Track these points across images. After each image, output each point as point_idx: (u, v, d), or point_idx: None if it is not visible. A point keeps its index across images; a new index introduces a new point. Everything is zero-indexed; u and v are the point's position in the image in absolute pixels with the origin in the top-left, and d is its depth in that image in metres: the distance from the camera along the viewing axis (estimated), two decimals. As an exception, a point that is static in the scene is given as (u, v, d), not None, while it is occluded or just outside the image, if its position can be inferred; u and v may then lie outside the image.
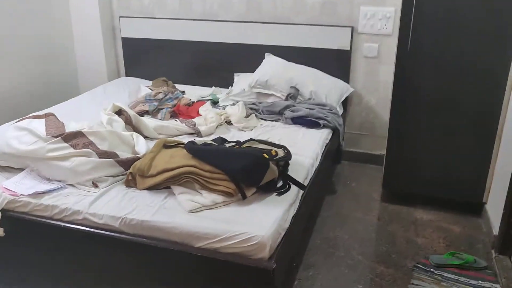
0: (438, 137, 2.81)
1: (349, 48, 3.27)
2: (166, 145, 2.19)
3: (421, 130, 2.83)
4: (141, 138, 2.33)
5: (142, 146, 2.26)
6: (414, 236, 2.70)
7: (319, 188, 2.67)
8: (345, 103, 3.30)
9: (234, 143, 2.24)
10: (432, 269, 2.37)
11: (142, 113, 2.83)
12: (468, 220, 2.87)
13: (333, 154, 2.97)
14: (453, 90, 2.69)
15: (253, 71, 3.31)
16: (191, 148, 2.02)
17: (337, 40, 3.26)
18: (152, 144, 2.29)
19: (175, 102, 2.99)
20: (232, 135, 2.65)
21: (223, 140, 2.29)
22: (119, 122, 2.46)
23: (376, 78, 3.34)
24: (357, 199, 3.11)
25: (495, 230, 2.60)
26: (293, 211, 1.96)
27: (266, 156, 1.99)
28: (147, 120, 2.62)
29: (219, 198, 1.86)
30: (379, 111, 3.41)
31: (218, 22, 3.53)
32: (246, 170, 1.88)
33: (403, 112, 2.83)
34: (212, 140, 2.27)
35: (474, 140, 2.75)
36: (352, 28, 3.22)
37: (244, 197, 1.89)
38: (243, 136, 2.61)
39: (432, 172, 2.90)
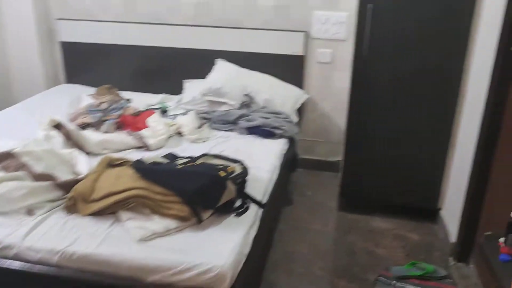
0: (394, 144, 2.80)
1: (303, 54, 3.18)
2: (111, 164, 1.99)
3: (377, 137, 2.81)
4: (83, 156, 2.12)
5: (83, 165, 2.05)
6: (374, 247, 2.65)
7: (277, 201, 2.56)
8: (300, 109, 3.21)
9: (187, 159, 2.08)
10: (394, 282, 2.32)
11: (84, 126, 2.59)
12: (424, 227, 2.86)
13: (289, 163, 2.87)
14: (409, 96, 2.68)
15: (203, 77, 3.15)
16: (140, 168, 1.83)
17: (290, 46, 3.16)
18: (95, 161, 2.08)
19: (120, 112, 2.77)
20: (184, 148, 2.48)
21: (174, 156, 2.12)
22: (58, 138, 2.22)
23: (330, 84, 3.27)
24: (315, 209, 3.03)
25: (452, 237, 2.60)
26: (253, 232, 1.83)
27: (223, 174, 1.85)
28: (90, 134, 2.40)
29: (172, 223, 1.70)
30: (334, 118, 3.35)
31: (166, 26, 3.33)
32: (202, 192, 1.73)
33: (360, 118, 2.79)
34: (162, 157, 2.09)
35: (430, 146, 2.76)
36: (306, 33, 3.14)
37: (200, 221, 1.73)
38: (196, 149, 2.45)
39: (388, 178, 2.89)
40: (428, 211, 2.91)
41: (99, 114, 2.65)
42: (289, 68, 3.22)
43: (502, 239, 1.52)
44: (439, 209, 2.87)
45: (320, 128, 3.41)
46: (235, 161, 2.10)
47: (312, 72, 3.26)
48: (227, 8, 3.23)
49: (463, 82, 2.57)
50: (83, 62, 3.54)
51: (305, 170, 3.48)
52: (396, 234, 2.78)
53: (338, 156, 3.41)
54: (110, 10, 3.41)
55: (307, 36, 3.15)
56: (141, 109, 2.99)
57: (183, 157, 2.13)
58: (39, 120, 2.53)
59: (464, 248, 2.47)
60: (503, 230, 2.02)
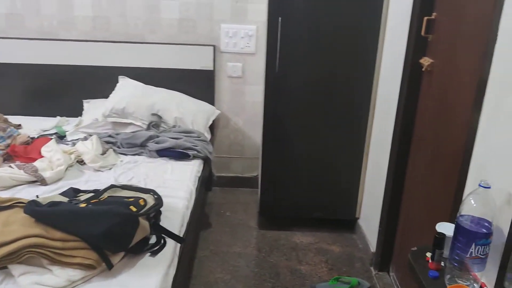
0: (310, 156, 2.78)
1: (212, 68, 3.05)
2: (-2, 206, 1.69)
3: (293, 150, 2.77)
4: (-39, 199, 1.77)
5: (-38, 210, 1.71)
6: (297, 264, 2.58)
7: (195, 229, 2.38)
8: (212, 126, 3.07)
9: (91, 194, 1.83)
10: (321, 301, 2.26)
11: (-37, 161, 2.22)
12: (344, 238, 2.86)
13: (205, 183, 2.72)
14: (323, 108, 2.67)
15: (105, 96, 2.90)
16: (34, 211, 1.56)
17: (199, 60, 3.02)
18: (-22, 203, 1.75)
19: (8, 141, 2.42)
20: (87, 179, 2.21)
21: (75, 191, 1.86)
22: None
23: (242, 98, 3.18)
24: (234, 230, 2.90)
25: (372, 247, 2.61)
26: (172, 272, 1.64)
27: (134, 209, 1.64)
28: (-30, 171, 2.04)
29: (76, 274, 1.45)
30: (248, 132, 3.26)
31: (59, 42, 3.01)
32: (111, 233, 1.51)
33: (275, 132, 2.73)
34: (61, 194, 1.83)
35: (345, 157, 2.76)
36: (214, 46, 3.01)
37: (110, 266, 1.51)
38: (100, 179, 2.21)
39: (306, 191, 2.86)
40: (347, 222, 2.92)
41: (-19, 146, 2.29)
42: (199, 84, 3.08)
43: (429, 254, 1.49)
44: (357, 218, 2.89)
45: (234, 143, 3.30)
46: (146, 190, 1.90)
47: (223, 86, 3.14)
48: (128, 22, 3.00)
49: (374, 90, 2.61)
50: (-40, 84, 3.09)
51: (221, 188, 3.35)
52: (318, 248, 2.74)
53: (255, 172, 3.32)
54: (-10, 24, 3.02)
55: (216, 50, 3.03)
56: (34, 135, 2.66)
57: (86, 192, 1.87)
58: None
59: (384, 257, 2.49)
60: (422, 237, 2.06)
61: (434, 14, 1.94)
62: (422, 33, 1.96)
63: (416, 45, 2.02)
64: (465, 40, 1.69)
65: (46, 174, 2.12)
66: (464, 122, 1.61)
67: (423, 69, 1.99)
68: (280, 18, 2.48)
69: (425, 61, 1.97)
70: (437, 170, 1.91)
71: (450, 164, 1.76)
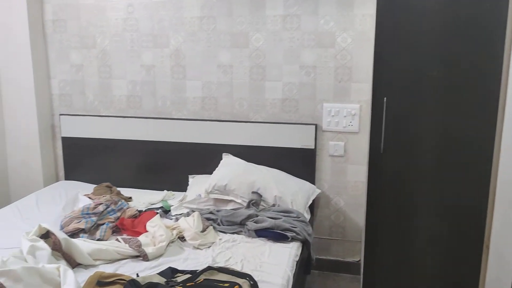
0: (419, 241, 2.53)
1: (313, 147, 3.01)
2: (101, 282, 1.74)
3: (400, 234, 2.55)
4: (70, 272, 1.83)
5: (70, 283, 1.78)
6: None
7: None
8: (312, 205, 2.98)
9: (188, 275, 1.82)
10: None
11: (77, 232, 2.37)
12: None
13: (303, 266, 2.58)
14: (432, 190, 2.46)
15: (210, 172, 2.97)
16: (132, 292, 1.58)
17: (300, 139, 3.01)
18: (85, 275, 1.83)
19: (118, 214, 2.56)
20: (186, 256, 2.22)
21: (173, 272, 1.86)
22: (44, 249, 1.98)
23: (343, 178, 3.07)
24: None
25: None
26: None
27: (229, 298, 1.59)
28: (82, 243, 2.16)
29: None
30: (349, 214, 3.11)
31: (171, 120, 3.23)
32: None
33: (380, 215, 2.56)
34: (159, 273, 1.84)
35: (463, 240, 2.48)
36: (316, 125, 3.00)
37: None
38: (199, 257, 2.20)
39: (416, 281, 2.57)
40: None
41: (93, 218, 2.43)
42: (299, 162, 3.04)
43: None
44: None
45: (334, 225, 3.15)
46: (242, 275, 1.84)
47: (323, 165, 3.08)
48: (233, 102, 3.13)
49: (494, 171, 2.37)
50: (83, 158, 3.40)
51: (320, 272, 3.17)
52: None
53: (356, 256, 3.12)
54: (114, 105, 3.34)
55: (318, 128, 3.01)
56: (142, 208, 2.80)
57: (183, 272, 1.87)
58: (30, 225, 2.35)
59: None
60: None
61: None
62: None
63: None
64: None
65: (149, 250, 2.17)
66: None
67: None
68: (385, 98, 2.41)
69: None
70: None
71: None
